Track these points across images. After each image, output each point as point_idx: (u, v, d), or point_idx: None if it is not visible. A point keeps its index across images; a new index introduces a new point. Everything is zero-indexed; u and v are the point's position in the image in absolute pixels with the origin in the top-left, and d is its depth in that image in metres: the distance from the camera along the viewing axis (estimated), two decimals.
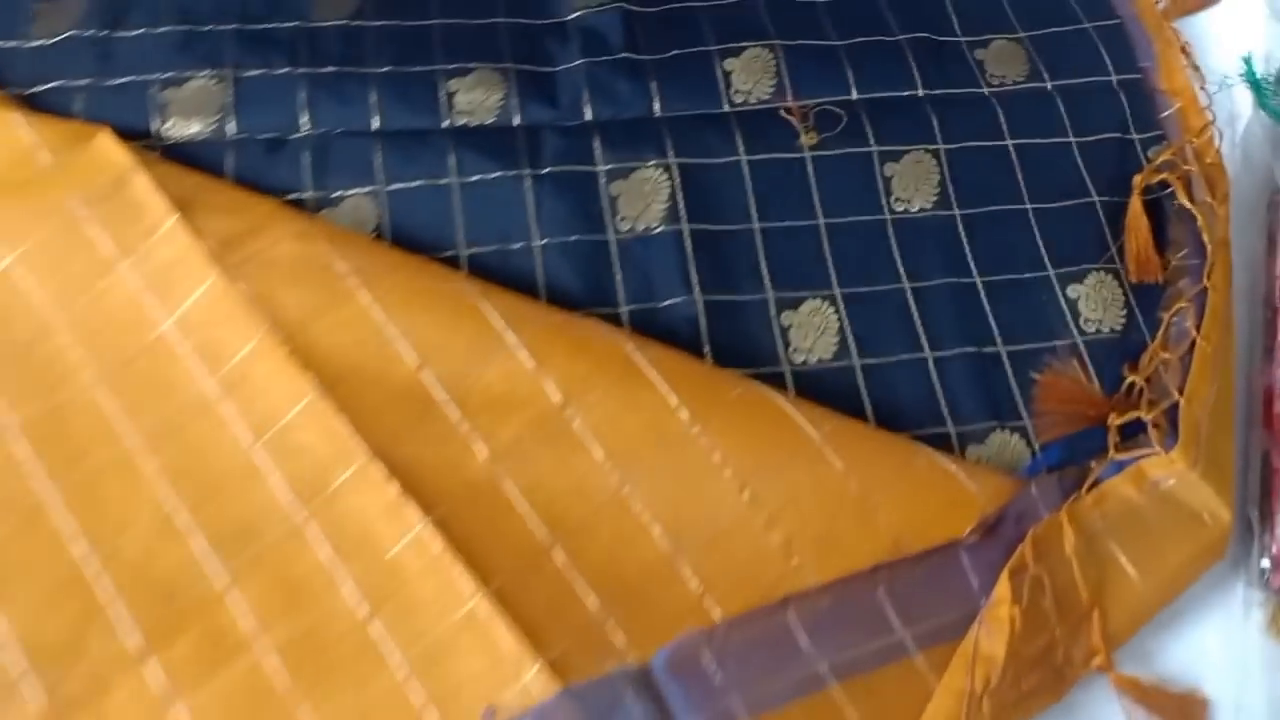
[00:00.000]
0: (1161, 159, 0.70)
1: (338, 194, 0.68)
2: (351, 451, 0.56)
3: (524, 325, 0.59)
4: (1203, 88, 0.75)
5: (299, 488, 0.56)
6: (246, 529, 0.56)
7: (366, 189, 0.68)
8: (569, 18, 0.76)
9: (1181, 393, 0.59)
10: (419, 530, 0.54)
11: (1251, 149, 0.74)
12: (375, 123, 0.70)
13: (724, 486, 0.56)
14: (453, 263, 0.66)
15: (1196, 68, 0.76)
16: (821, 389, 0.64)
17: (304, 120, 0.70)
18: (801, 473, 0.57)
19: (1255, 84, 0.73)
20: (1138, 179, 0.69)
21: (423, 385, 0.58)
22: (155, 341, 0.60)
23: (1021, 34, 0.78)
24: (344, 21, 0.74)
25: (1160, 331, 0.64)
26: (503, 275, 0.65)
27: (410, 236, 0.67)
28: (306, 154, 0.69)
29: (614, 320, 0.65)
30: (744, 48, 0.75)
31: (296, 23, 0.74)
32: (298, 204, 0.67)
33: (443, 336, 0.59)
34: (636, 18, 0.76)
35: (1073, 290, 0.68)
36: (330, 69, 0.71)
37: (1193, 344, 0.61)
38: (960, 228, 0.70)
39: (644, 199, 0.69)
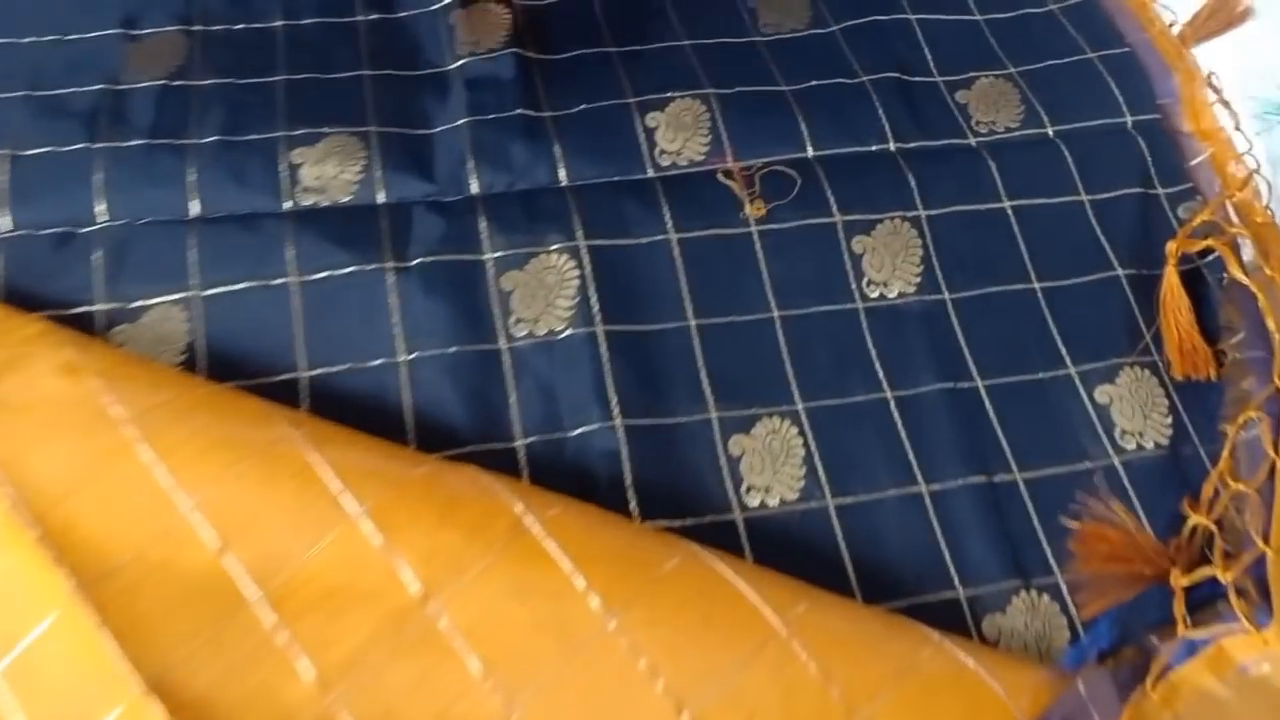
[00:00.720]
0: (1199, 220, 0.56)
1: (138, 303, 0.52)
2: (120, 682, 0.40)
3: (370, 484, 0.43)
4: (1238, 127, 0.60)
5: None
6: None
7: (176, 295, 0.52)
8: (450, 66, 0.61)
9: (1267, 541, 0.43)
10: None
11: None
12: (194, 207, 0.54)
13: (655, 706, 0.40)
14: (290, 390, 0.50)
15: (1227, 103, 0.61)
16: (786, 543, 0.48)
17: (100, 209, 0.53)
18: (763, 681, 0.41)
19: None
20: (1172, 246, 0.55)
21: (225, 577, 0.42)
22: None
23: (1012, 69, 0.63)
24: (162, 81, 0.59)
25: (1226, 452, 0.49)
26: (357, 404, 0.50)
27: (233, 357, 0.51)
28: (99, 252, 0.53)
29: (508, 459, 0.49)
30: (670, 98, 0.60)
31: (102, 86, 0.58)
32: (83, 320, 0.51)
33: (255, 506, 0.43)
34: (536, 65, 0.61)
35: (1102, 393, 0.53)
36: (138, 141, 0.56)
37: (1273, 469, 0.46)
38: (952, 316, 0.55)
39: (545, 293, 0.53)
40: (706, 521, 0.48)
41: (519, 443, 0.50)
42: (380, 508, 0.42)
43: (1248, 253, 0.56)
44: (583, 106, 0.60)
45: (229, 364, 0.50)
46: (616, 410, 0.50)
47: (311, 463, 0.43)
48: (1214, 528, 0.46)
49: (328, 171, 0.56)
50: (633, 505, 0.48)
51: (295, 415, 0.46)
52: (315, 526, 0.42)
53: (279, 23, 0.63)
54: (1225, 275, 0.54)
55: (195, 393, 0.46)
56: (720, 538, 0.47)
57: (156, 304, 0.52)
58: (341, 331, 0.51)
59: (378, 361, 0.51)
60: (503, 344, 0.52)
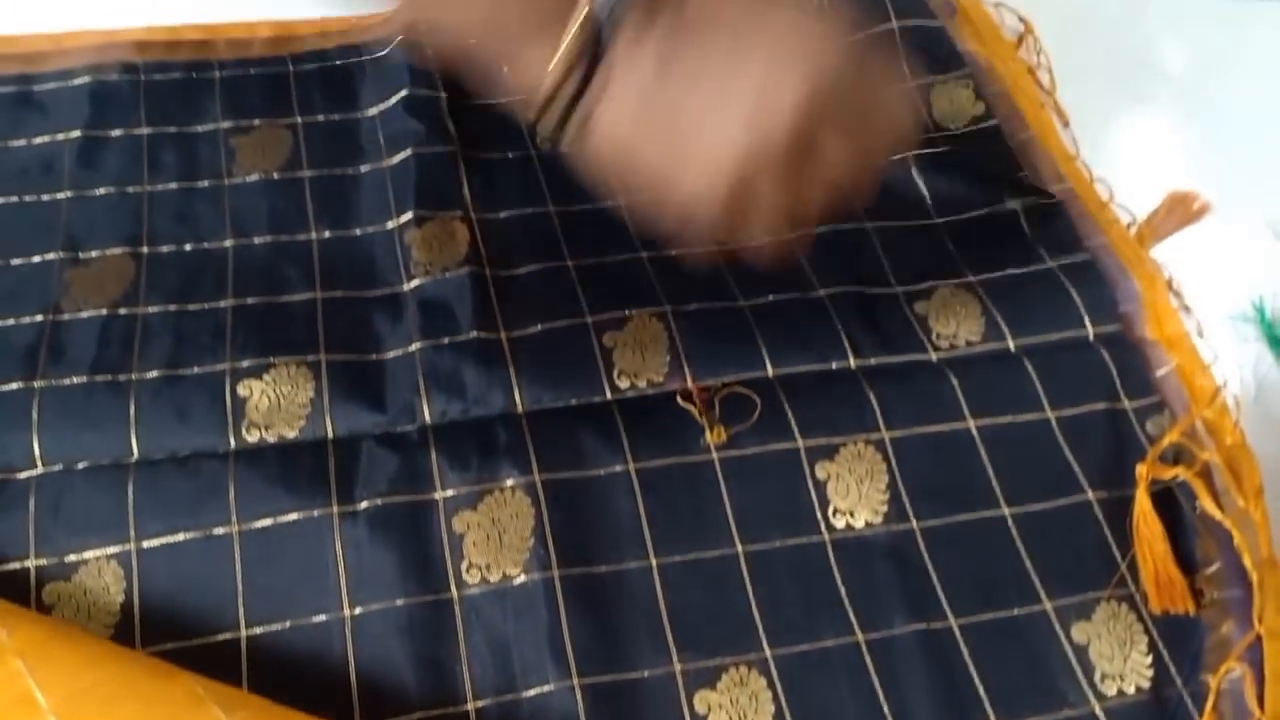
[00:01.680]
0: (1167, 440, 0.54)
1: (72, 558, 0.49)
2: None
3: None
4: (1201, 335, 0.59)
5: None
6: None
7: (113, 548, 0.50)
8: (405, 288, 0.60)
9: None
10: None
11: (1276, 408, 0.58)
12: (134, 450, 0.52)
13: None
14: (228, 652, 0.48)
15: (1189, 309, 0.61)
16: None
17: (35, 453, 0.51)
18: None
19: (1273, 338, 0.58)
20: (1142, 469, 0.53)
21: None
22: None
23: (971, 278, 0.62)
24: (104, 311, 0.57)
25: (1208, 705, 0.46)
26: (299, 665, 0.48)
27: (170, 616, 0.48)
28: (31, 501, 0.50)
29: None
30: (628, 317, 0.58)
31: (40, 316, 0.56)
32: (15, 579, 0.48)
33: None
34: (493, 284, 0.60)
35: (1079, 632, 0.51)
36: (78, 379, 0.54)
37: None
38: (922, 547, 0.53)
39: (500, 535, 0.51)
40: None
41: (469, 706, 0.47)
42: None
43: (1225, 480, 0.54)
44: (540, 327, 0.58)
45: (165, 624, 0.48)
46: (574, 667, 0.48)
47: None
48: None
49: (275, 404, 0.54)
50: None
51: (232, 696, 0.43)
52: None
53: (229, 242, 0.61)
54: (1198, 505, 0.52)
55: (127, 673, 0.43)
56: None
57: (91, 558, 0.49)
58: (284, 585, 0.49)
59: (321, 618, 0.48)
60: (454, 593, 0.50)
